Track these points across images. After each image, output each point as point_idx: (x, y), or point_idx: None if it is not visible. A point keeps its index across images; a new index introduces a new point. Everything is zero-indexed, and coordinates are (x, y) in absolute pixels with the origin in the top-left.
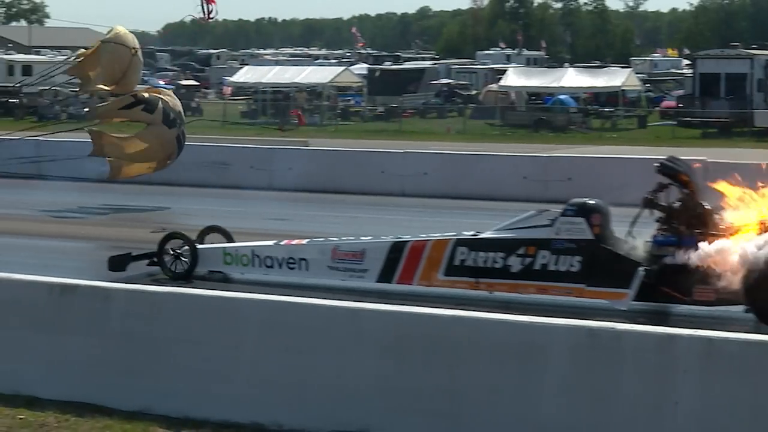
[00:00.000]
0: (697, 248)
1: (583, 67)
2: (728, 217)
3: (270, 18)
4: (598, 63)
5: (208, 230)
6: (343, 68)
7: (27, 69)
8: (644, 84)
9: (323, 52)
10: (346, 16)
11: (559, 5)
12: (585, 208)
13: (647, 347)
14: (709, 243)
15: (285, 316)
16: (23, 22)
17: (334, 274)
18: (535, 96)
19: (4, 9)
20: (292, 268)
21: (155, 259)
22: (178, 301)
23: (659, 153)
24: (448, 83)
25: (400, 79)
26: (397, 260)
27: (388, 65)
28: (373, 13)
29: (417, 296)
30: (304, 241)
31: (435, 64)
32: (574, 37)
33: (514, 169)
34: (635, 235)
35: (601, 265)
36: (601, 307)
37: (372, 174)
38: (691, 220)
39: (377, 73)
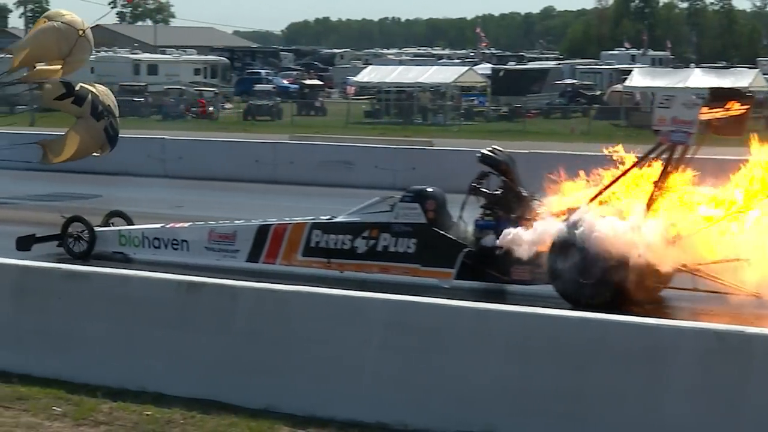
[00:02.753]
0: (512, 232)
1: (709, 67)
2: (545, 203)
3: (393, 18)
4: (724, 63)
5: (112, 215)
6: (466, 68)
7: (152, 68)
8: None
9: (447, 51)
10: (469, 16)
11: (684, 5)
12: (421, 195)
13: None
14: (524, 227)
15: (410, 316)
16: (149, 22)
17: (211, 254)
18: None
19: (130, 9)
20: (176, 249)
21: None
22: (304, 300)
23: None
24: (572, 83)
25: (524, 79)
26: (263, 242)
27: (512, 65)
28: (496, 13)
29: (280, 274)
30: (186, 224)
31: (559, 64)
32: (699, 37)
33: None
34: (466, 220)
35: (433, 246)
36: (432, 285)
37: None
38: (510, 205)
39: (501, 73)
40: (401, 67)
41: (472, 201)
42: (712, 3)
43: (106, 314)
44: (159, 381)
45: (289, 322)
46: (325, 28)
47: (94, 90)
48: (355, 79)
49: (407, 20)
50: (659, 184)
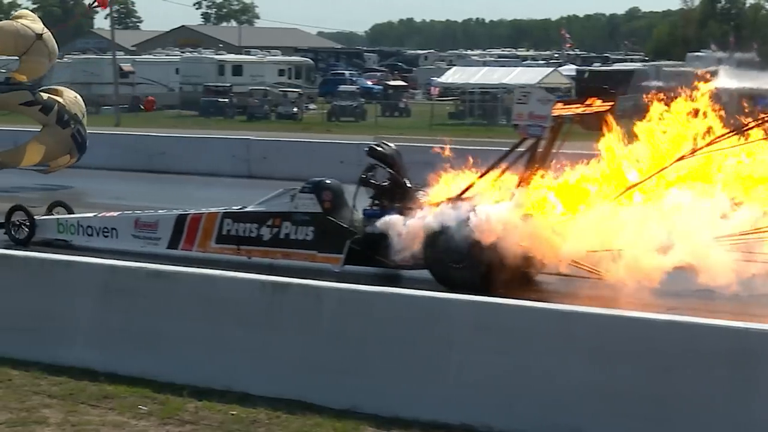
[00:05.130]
0: (395, 220)
1: None
2: (428, 193)
3: (478, 19)
4: None
5: (54, 204)
6: (551, 69)
7: (237, 69)
8: None
9: (531, 53)
10: (554, 17)
11: None
12: (318, 186)
13: None
14: (405, 216)
15: (495, 318)
16: (233, 23)
17: (136, 241)
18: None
19: (215, 9)
20: (106, 237)
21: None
22: (389, 300)
23: None
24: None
25: (609, 81)
26: (182, 230)
27: (596, 66)
28: (581, 14)
29: (196, 260)
30: (116, 213)
31: (644, 65)
32: None
33: None
34: (358, 209)
35: (327, 234)
36: (327, 270)
37: None
38: (395, 196)
39: (586, 75)
40: (485, 68)
41: (363, 192)
42: None
43: (192, 313)
44: (244, 380)
45: (373, 322)
46: (409, 29)
47: (60, 100)
48: (439, 80)
49: (491, 21)
50: (525, 174)
